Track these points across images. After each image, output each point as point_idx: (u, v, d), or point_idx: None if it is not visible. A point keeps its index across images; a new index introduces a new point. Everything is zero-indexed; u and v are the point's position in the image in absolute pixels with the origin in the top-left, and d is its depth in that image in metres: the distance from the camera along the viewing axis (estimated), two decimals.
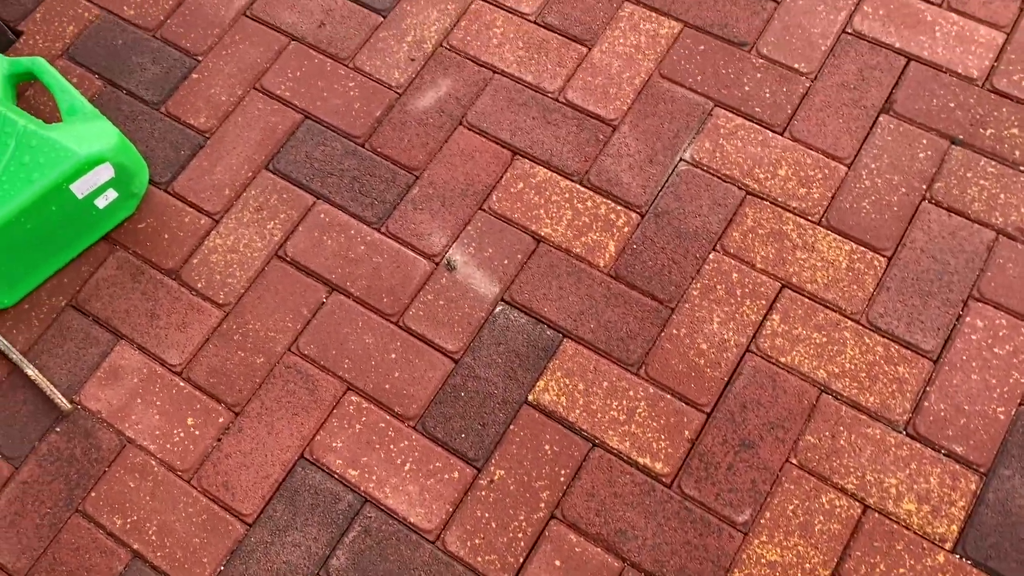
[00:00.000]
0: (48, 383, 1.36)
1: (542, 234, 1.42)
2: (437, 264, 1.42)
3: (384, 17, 1.62)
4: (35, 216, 1.33)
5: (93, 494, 1.31)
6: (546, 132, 1.49)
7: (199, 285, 1.43)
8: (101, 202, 1.40)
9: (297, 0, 1.64)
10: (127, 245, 1.47)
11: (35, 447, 1.35)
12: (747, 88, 1.49)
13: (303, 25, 1.62)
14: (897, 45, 1.51)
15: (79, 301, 1.44)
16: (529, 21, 1.59)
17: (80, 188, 1.35)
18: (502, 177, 1.47)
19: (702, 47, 1.53)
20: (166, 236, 1.47)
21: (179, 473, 1.31)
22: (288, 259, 1.44)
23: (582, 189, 1.44)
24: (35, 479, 1.32)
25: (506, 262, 1.41)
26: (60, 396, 1.35)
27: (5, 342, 1.39)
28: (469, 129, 1.51)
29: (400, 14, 1.61)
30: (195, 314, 1.41)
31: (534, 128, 1.50)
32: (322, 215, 1.47)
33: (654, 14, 1.57)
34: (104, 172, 1.37)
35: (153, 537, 1.27)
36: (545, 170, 1.46)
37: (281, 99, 1.56)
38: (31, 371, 1.37)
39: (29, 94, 1.61)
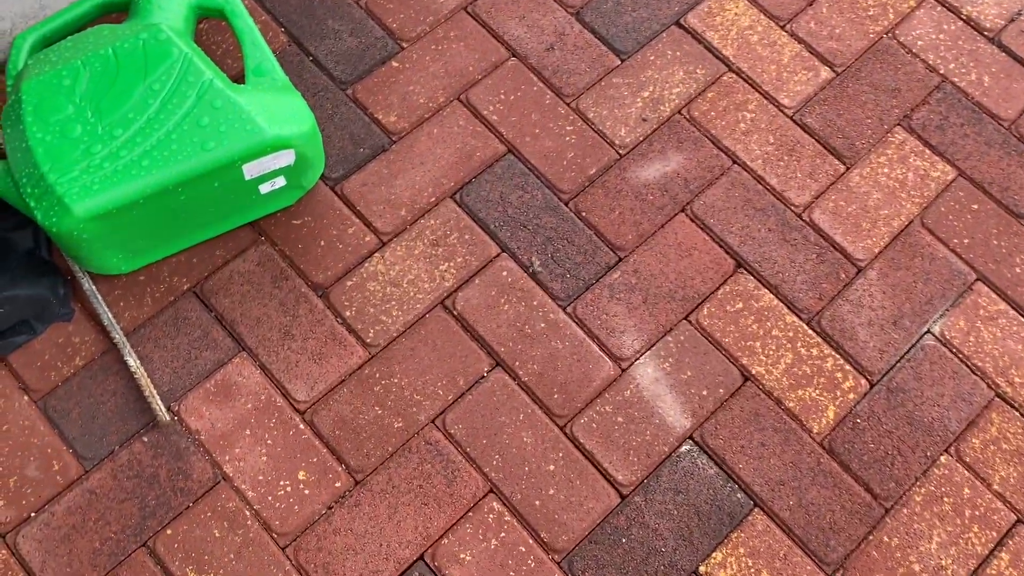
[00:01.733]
0: (148, 380, 1.14)
1: (753, 372, 1.20)
2: (624, 370, 1.20)
3: (622, 60, 1.40)
4: (193, 188, 1.11)
5: (169, 531, 1.09)
6: (781, 251, 1.28)
7: (348, 313, 1.21)
8: (266, 187, 1.18)
9: (529, 11, 1.42)
10: (275, 240, 1.25)
11: (114, 452, 1.13)
12: (1018, 270, 1.28)
13: (529, 42, 1.40)
14: None
15: (204, 290, 1.22)
16: (786, 115, 1.37)
17: (252, 170, 1.13)
18: (719, 289, 1.25)
19: (975, 206, 1.32)
20: (322, 243, 1.25)
21: (275, 535, 1.10)
22: (455, 313, 1.22)
23: (810, 332, 1.23)
24: (105, 492, 1.11)
25: (704, 393, 1.19)
26: (159, 401, 1.13)
27: (110, 317, 1.17)
28: (692, 220, 1.29)
29: (641, 63, 1.39)
30: (336, 346, 1.19)
31: (768, 242, 1.28)
32: (504, 273, 1.25)
33: (927, 150, 1.35)
34: (284, 158, 1.15)
35: None
36: (771, 296, 1.25)
37: (487, 122, 1.34)
38: (132, 360, 1.15)
39: (203, 27, 1.38)
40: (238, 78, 1.30)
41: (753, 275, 1.26)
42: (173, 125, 1.08)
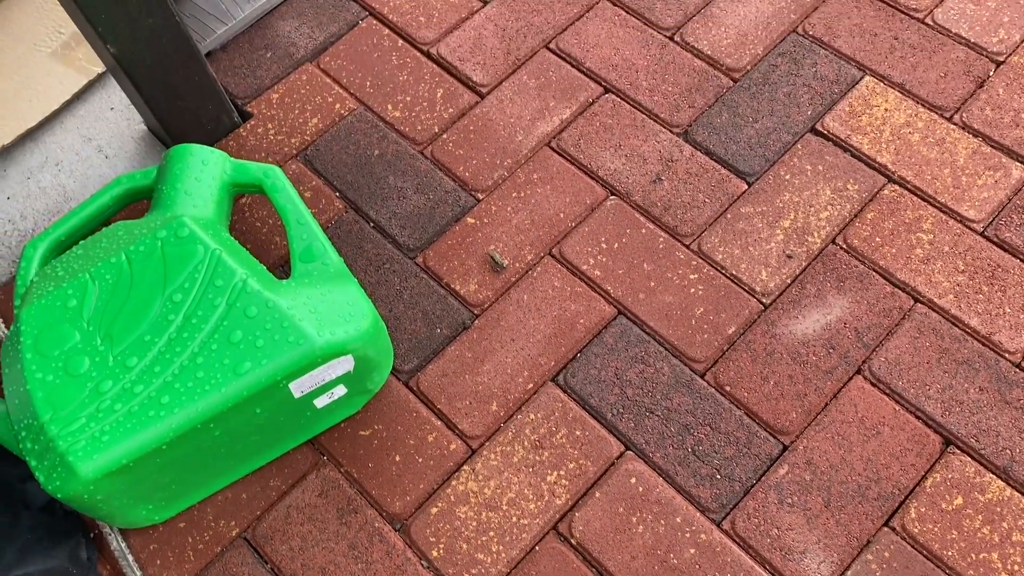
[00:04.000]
0: None
1: None
2: None
3: (750, 184, 1.12)
4: (229, 420, 0.87)
5: None
6: (1002, 417, 0.95)
7: (435, 553, 0.94)
8: (322, 401, 0.94)
9: (625, 138, 1.17)
10: (339, 460, 1.00)
11: None
12: None
13: (630, 175, 1.14)
14: None
15: (257, 536, 0.97)
16: (974, 231, 1.06)
17: (302, 386, 0.90)
18: (926, 479, 0.93)
19: None
20: (397, 459, 1.00)
21: None
22: (573, 542, 0.93)
23: None
24: None
25: None
26: None
27: None
28: (873, 384, 0.98)
29: (774, 184, 1.12)
30: None
31: (982, 406, 0.96)
32: (633, 480, 0.96)
33: None
34: (341, 366, 0.91)
35: None
36: (1001, 483, 0.92)
37: (588, 279, 1.08)
38: None
39: (245, 202, 1.19)
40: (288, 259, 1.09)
41: (970, 455, 0.93)
42: (199, 346, 0.86)
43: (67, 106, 1.26)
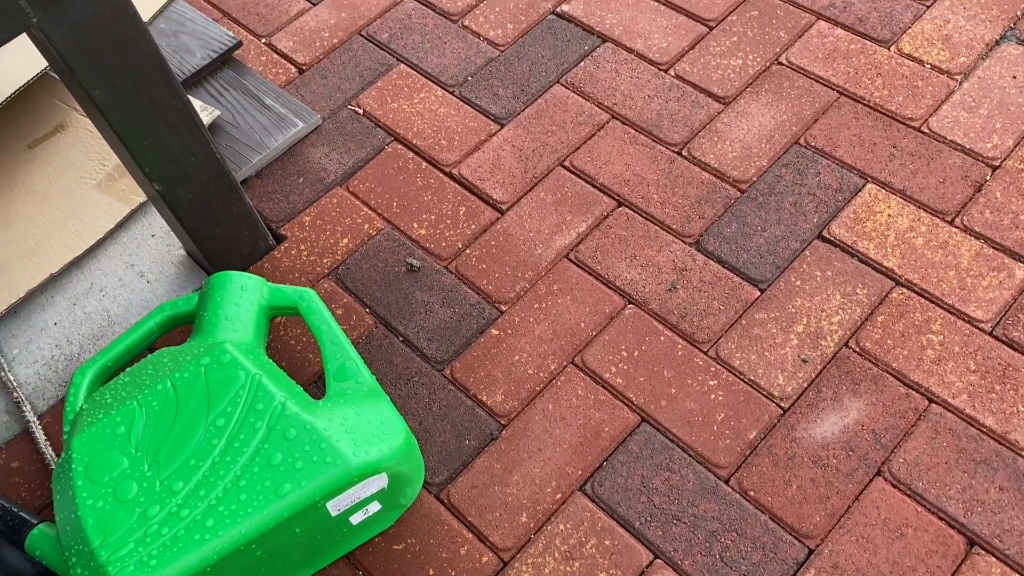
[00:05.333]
0: None
1: None
2: None
3: (762, 291, 1.17)
4: (269, 541, 0.90)
5: None
6: (1023, 517, 0.97)
7: None
8: (358, 517, 0.97)
9: (640, 249, 1.23)
10: (374, 574, 1.02)
11: None
12: None
13: (646, 285, 1.19)
14: None
15: None
16: (983, 331, 1.10)
17: (339, 504, 0.93)
18: None
19: None
20: (431, 571, 1.02)
21: None
22: None
23: None
24: None
25: None
26: None
27: None
28: (893, 486, 1.00)
29: (785, 291, 1.16)
30: None
31: (1003, 505, 0.97)
32: None
33: None
34: (376, 484, 0.94)
35: None
36: None
37: (610, 387, 1.12)
38: None
39: (280, 321, 1.24)
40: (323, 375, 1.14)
41: (995, 555, 0.95)
42: (241, 469, 0.90)
43: (111, 234, 1.33)
